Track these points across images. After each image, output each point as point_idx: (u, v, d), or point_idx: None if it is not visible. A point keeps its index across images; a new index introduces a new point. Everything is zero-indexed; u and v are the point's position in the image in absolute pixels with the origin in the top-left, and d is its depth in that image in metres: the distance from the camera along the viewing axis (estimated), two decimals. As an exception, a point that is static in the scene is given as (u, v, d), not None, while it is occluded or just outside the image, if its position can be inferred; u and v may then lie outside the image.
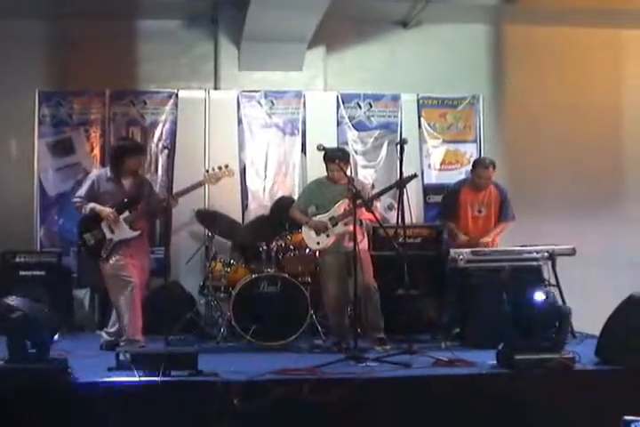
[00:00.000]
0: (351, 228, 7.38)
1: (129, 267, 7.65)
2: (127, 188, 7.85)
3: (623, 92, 10.90)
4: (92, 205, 7.71)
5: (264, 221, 9.22)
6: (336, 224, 7.81)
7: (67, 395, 5.68)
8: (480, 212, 8.60)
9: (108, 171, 7.89)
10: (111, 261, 7.66)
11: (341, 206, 7.80)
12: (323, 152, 7.76)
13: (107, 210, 7.67)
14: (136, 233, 7.75)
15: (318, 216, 7.94)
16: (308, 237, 7.97)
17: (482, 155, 10.12)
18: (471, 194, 8.63)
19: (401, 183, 7.46)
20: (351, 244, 7.30)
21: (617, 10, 10.07)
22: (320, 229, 7.86)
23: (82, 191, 7.86)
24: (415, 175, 7.83)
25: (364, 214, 7.73)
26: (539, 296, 6.44)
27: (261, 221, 9.29)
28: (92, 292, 9.29)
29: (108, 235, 7.68)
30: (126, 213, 7.71)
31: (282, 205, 9.04)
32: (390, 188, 8.01)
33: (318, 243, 7.93)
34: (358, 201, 7.33)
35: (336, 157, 7.75)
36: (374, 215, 7.58)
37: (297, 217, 8.12)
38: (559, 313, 6.50)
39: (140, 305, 7.66)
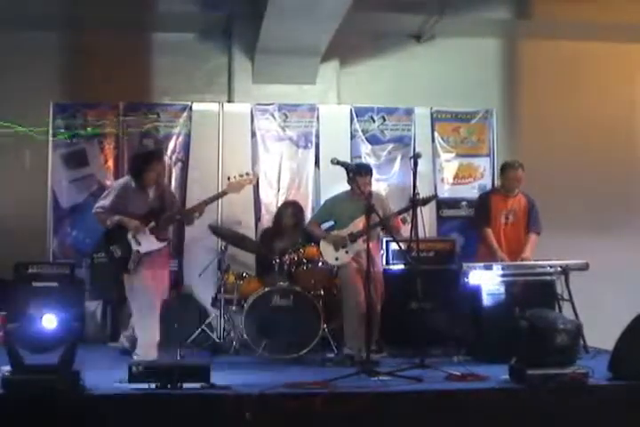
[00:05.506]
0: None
1: (155, 278, 7.58)
2: (151, 197, 7.76)
3: (638, 106, 10.91)
4: (117, 217, 7.58)
5: (271, 232, 9.24)
6: (355, 240, 7.80)
7: (79, 407, 5.66)
8: (508, 219, 8.63)
9: (131, 181, 7.74)
10: (138, 274, 7.53)
11: (360, 223, 7.73)
12: (344, 167, 7.57)
13: (134, 222, 7.57)
14: (163, 244, 7.67)
15: (336, 232, 7.97)
16: (327, 252, 7.97)
17: (495, 169, 10.11)
18: (501, 201, 8.68)
19: (415, 202, 7.45)
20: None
21: (631, 24, 10.10)
22: (339, 244, 7.85)
23: (106, 202, 7.67)
24: (435, 196, 7.85)
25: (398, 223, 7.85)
26: None
27: (269, 232, 9.30)
28: (104, 304, 9.29)
29: (135, 247, 7.55)
30: (152, 224, 7.62)
31: (283, 210, 9.16)
32: (408, 208, 7.75)
33: (337, 258, 7.93)
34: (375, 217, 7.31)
35: (367, 171, 7.90)
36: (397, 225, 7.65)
37: (315, 231, 8.12)
38: (570, 328, 6.47)
39: (158, 318, 7.56)
